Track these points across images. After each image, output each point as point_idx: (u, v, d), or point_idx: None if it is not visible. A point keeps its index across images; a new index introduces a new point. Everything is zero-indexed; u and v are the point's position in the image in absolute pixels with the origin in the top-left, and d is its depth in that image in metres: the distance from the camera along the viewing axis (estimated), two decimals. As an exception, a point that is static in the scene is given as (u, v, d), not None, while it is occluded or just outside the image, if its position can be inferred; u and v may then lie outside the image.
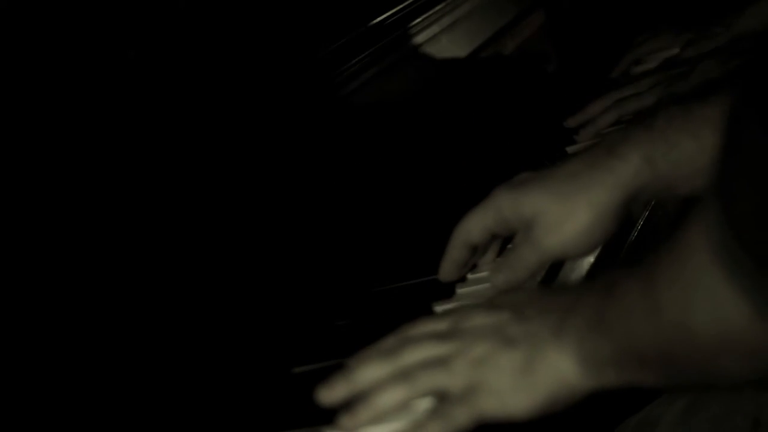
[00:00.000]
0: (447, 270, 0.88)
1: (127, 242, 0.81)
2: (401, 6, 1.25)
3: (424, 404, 0.68)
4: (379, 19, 1.21)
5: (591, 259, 0.91)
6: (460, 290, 0.89)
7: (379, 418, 0.69)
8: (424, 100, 1.25)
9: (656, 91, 1.20)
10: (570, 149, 1.21)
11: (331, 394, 0.70)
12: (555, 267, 0.90)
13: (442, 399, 0.69)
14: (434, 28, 1.30)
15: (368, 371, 0.70)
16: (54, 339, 0.74)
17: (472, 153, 1.29)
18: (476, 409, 0.67)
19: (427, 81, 1.26)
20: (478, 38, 1.39)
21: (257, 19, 1.09)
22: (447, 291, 0.88)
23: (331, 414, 0.72)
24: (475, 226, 0.85)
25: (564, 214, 0.81)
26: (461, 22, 1.37)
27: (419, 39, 1.26)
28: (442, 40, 1.32)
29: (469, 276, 0.91)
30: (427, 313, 0.84)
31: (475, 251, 0.88)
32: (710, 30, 1.37)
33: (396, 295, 0.96)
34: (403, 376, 0.69)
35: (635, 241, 1.03)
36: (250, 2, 1.09)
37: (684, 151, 0.79)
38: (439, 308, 0.86)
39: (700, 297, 0.57)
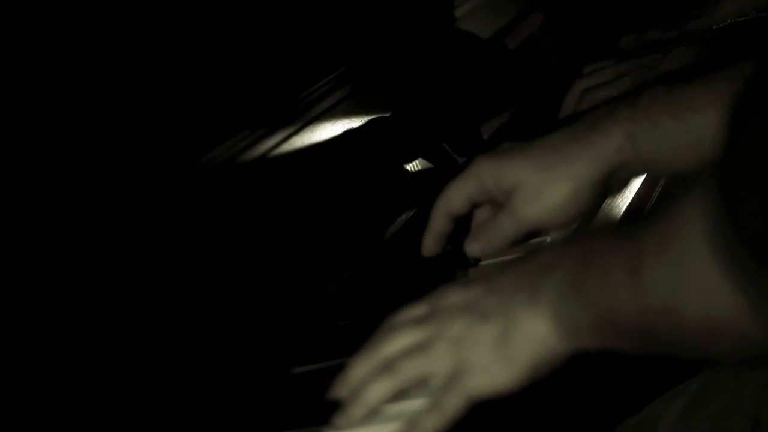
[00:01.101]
0: (429, 243, 0.87)
1: (126, 242, 0.81)
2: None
3: (420, 404, 0.69)
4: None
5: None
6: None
7: (372, 415, 0.69)
8: (423, 101, 1.25)
9: (624, 81, 1.19)
10: None
11: (337, 396, 0.71)
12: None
13: (430, 384, 0.68)
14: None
15: (356, 368, 0.70)
16: (53, 339, 0.74)
17: (473, 154, 1.29)
18: (465, 392, 0.67)
19: (427, 81, 1.27)
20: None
21: (258, 20, 1.09)
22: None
23: (331, 414, 0.72)
24: (456, 194, 0.85)
25: (543, 184, 0.81)
26: (461, 23, 1.38)
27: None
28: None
29: (471, 276, 0.91)
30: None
31: (457, 223, 0.88)
32: (691, 21, 1.37)
33: (396, 295, 0.96)
34: (387, 367, 0.69)
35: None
36: (250, 2, 1.09)
37: (666, 131, 0.80)
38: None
39: (691, 284, 0.57)
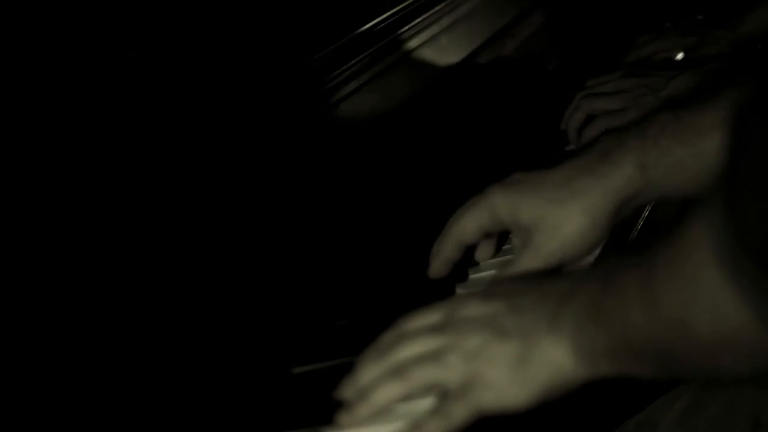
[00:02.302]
0: (438, 267, 0.88)
1: (126, 242, 0.81)
2: (402, 6, 1.25)
3: (426, 404, 0.69)
4: (378, 19, 1.21)
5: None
6: (460, 291, 0.89)
7: (377, 415, 0.69)
8: (424, 101, 1.25)
9: (625, 97, 1.21)
10: (569, 148, 1.22)
11: (343, 397, 0.71)
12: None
13: (440, 394, 0.69)
14: (434, 28, 1.30)
15: (366, 370, 0.70)
16: (53, 339, 0.74)
17: (473, 154, 1.29)
18: (473, 404, 0.67)
19: (427, 81, 1.27)
20: (478, 39, 1.39)
21: (257, 19, 1.09)
22: (445, 292, 0.88)
23: (331, 414, 0.72)
24: (470, 225, 0.85)
25: (561, 218, 0.82)
26: (462, 22, 1.38)
27: (419, 39, 1.26)
28: (442, 39, 1.32)
29: (471, 276, 0.91)
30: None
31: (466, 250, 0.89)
32: (713, 32, 1.37)
33: (395, 295, 0.96)
34: (398, 372, 0.69)
35: (635, 241, 1.03)
36: (250, 3, 1.09)
37: (676, 158, 0.81)
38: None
39: (700, 296, 0.57)
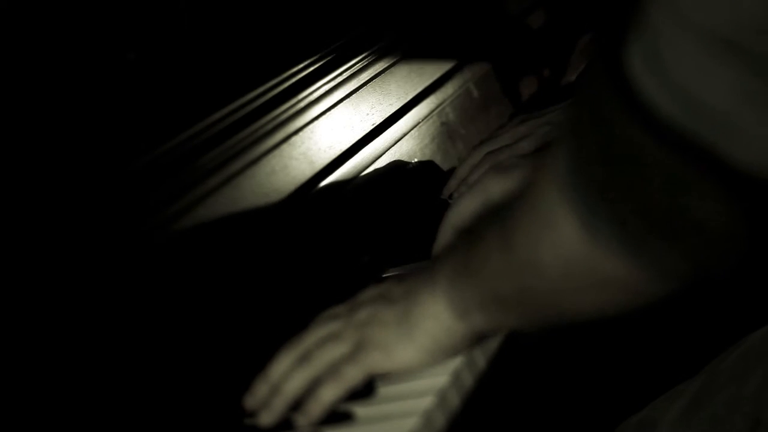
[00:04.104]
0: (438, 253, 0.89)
1: (126, 242, 0.81)
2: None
3: (426, 403, 0.69)
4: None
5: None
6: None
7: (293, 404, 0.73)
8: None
9: (530, 141, 1.08)
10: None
11: (254, 398, 0.75)
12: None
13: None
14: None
15: (279, 366, 0.75)
16: (52, 339, 0.74)
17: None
18: (364, 365, 0.72)
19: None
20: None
21: (258, 19, 1.09)
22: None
23: (330, 414, 0.72)
24: (465, 210, 0.87)
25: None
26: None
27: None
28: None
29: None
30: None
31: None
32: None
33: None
34: (305, 359, 0.74)
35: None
36: (250, 3, 1.09)
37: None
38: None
39: (544, 230, 0.63)
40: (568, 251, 0.62)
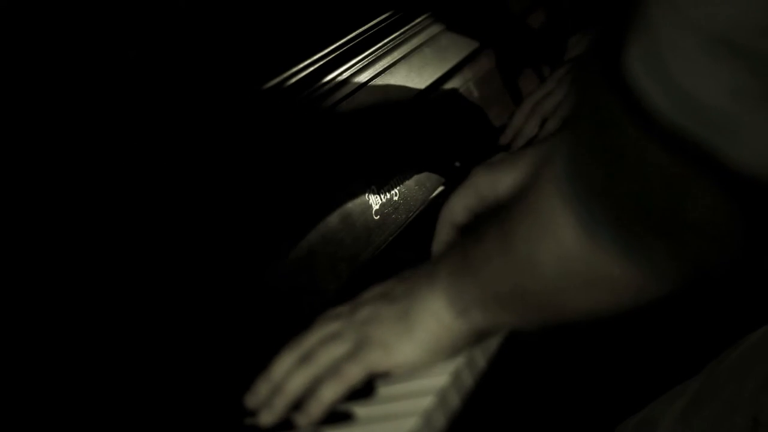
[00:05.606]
0: (438, 251, 0.89)
1: (126, 242, 0.81)
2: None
3: (426, 403, 0.69)
4: (380, 18, 1.21)
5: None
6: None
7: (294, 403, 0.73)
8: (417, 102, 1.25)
9: (562, 85, 1.25)
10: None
11: (255, 397, 0.75)
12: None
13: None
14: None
15: (280, 365, 0.75)
16: (51, 340, 0.74)
17: (472, 153, 1.29)
18: (364, 362, 0.73)
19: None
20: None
21: (258, 19, 1.09)
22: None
23: (330, 414, 0.72)
24: (457, 206, 0.88)
25: None
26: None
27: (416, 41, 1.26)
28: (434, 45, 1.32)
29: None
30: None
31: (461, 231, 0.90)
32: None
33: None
34: (306, 359, 0.74)
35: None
36: (250, 3, 1.09)
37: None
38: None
39: (542, 230, 0.64)
40: (566, 251, 0.63)
